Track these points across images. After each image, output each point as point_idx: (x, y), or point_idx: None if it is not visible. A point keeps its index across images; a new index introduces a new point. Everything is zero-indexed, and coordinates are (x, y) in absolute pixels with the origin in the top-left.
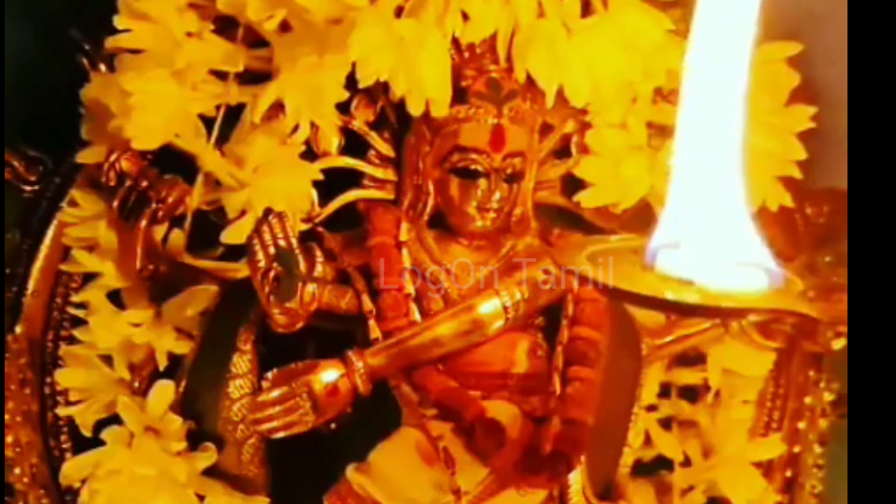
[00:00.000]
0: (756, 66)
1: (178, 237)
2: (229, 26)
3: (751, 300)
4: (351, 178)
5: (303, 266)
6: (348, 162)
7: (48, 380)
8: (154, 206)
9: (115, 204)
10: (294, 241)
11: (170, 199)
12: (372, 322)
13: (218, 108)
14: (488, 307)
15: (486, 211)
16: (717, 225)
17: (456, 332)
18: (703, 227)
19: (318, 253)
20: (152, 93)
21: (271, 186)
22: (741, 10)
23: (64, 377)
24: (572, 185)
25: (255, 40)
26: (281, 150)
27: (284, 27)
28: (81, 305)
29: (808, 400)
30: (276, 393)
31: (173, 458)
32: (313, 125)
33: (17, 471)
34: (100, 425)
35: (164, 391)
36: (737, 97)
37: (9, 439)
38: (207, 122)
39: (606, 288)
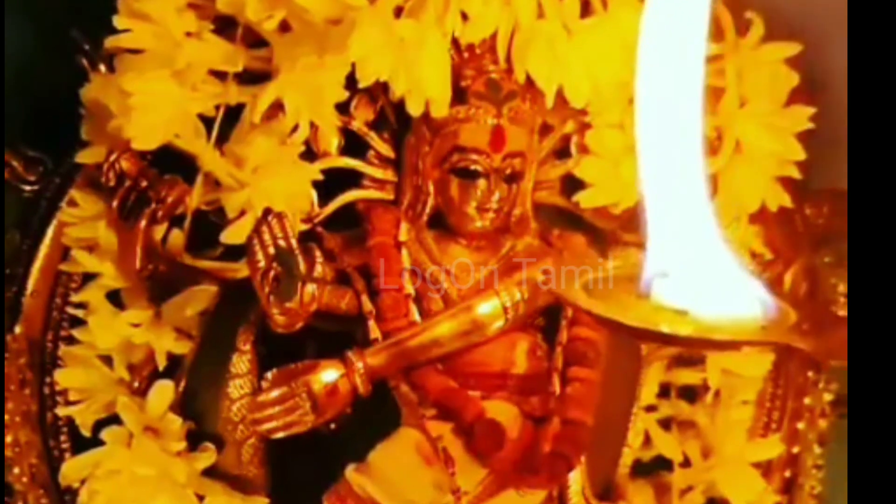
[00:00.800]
0: (756, 66)
1: (177, 237)
2: (229, 26)
3: (744, 332)
4: (350, 179)
5: (302, 266)
6: (348, 162)
7: (47, 380)
8: (154, 206)
9: (115, 204)
10: (294, 242)
11: (169, 200)
12: (372, 322)
13: (217, 108)
14: (488, 307)
15: (485, 211)
16: (708, 254)
17: (455, 333)
18: (695, 256)
19: (318, 253)
20: (152, 93)
21: (271, 187)
22: (691, 15)
23: (63, 377)
24: (572, 185)
25: (255, 40)
26: (280, 151)
27: (284, 27)
28: (81, 305)
29: (807, 400)
30: (275, 393)
31: (173, 459)
32: (313, 125)
33: (16, 471)
34: (99, 425)
35: (164, 391)
36: (693, 121)
37: (8, 439)
38: (207, 122)
39: (601, 319)
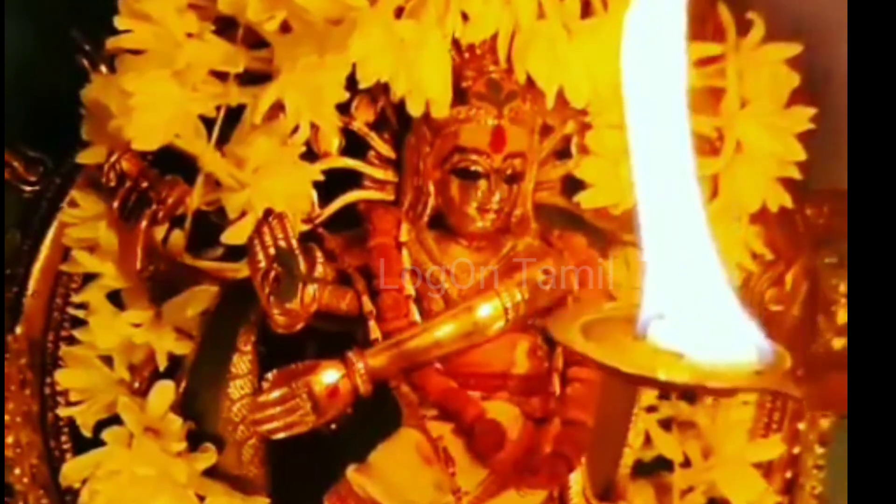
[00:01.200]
0: (757, 66)
1: (178, 238)
2: (229, 27)
3: (740, 378)
4: (351, 179)
5: (303, 267)
6: (348, 163)
7: (48, 380)
8: (154, 206)
9: (116, 204)
10: (294, 242)
11: (170, 200)
12: (372, 323)
13: (218, 108)
14: (488, 308)
15: (486, 212)
16: (705, 296)
17: (456, 334)
18: (691, 298)
19: (319, 254)
20: (153, 93)
21: (272, 187)
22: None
23: (64, 378)
24: (573, 185)
25: (256, 41)
26: (281, 151)
27: (285, 28)
28: (81, 306)
29: None
30: (276, 393)
31: (173, 459)
32: (313, 126)
33: (17, 471)
34: (100, 426)
35: (165, 392)
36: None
37: (9, 440)
38: (208, 122)
39: (598, 363)
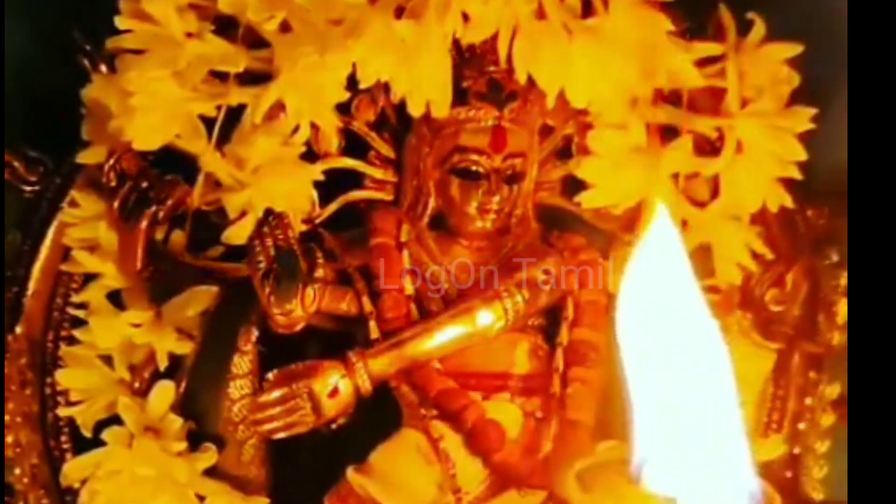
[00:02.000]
0: (757, 66)
1: (178, 237)
2: (230, 27)
3: None
4: (351, 179)
5: (303, 267)
6: (349, 163)
7: (48, 380)
8: (155, 206)
9: (116, 204)
10: (294, 242)
11: (170, 200)
12: (372, 323)
13: (218, 108)
14: (488, 308)
15: (486, 212)
16: (697, 440)
17: (456, 334)
18: (683, 442)
19: (319, 254)
20: (153, 93)
21: (272, 187)
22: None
23: (64, 377)
24: (573, 185)
25: (256, 41)
26: (281, 151)
27: (285, 28)
28: (82, 306)
29: (808, 401)
30: (276, 393)
31: (174, 459)
32: (314, 126)
33: (17, 471)
34: (100, 426)
35: (165, 392)
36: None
37: (9, 439)
38: (208, 122)
39: None
